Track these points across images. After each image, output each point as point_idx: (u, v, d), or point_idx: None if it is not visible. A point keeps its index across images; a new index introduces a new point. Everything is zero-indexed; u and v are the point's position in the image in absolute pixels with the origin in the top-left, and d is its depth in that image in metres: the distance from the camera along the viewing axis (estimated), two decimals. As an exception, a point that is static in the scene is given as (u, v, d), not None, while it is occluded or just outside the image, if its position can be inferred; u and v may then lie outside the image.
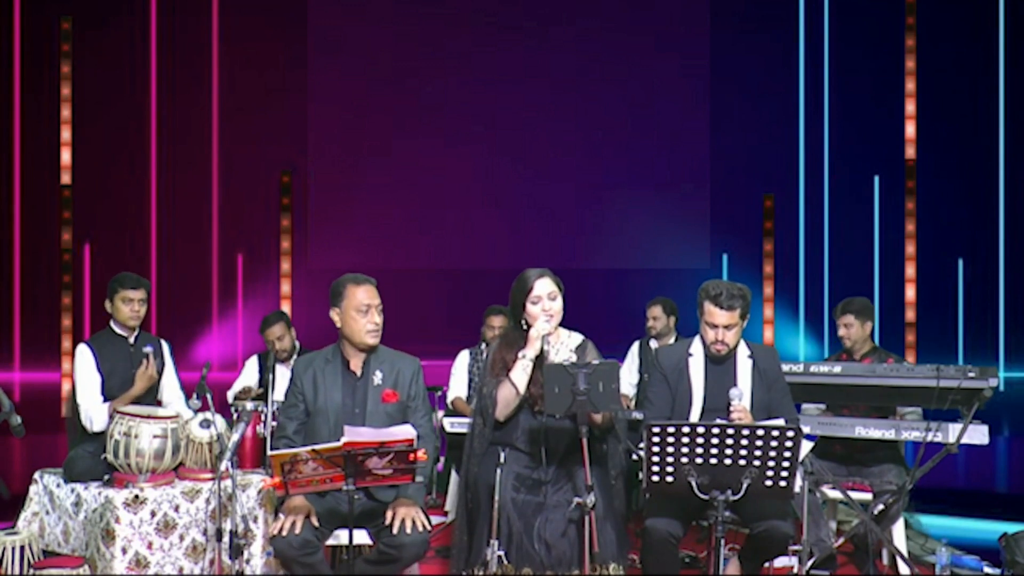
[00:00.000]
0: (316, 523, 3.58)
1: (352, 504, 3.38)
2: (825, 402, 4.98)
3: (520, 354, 3.75)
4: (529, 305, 3.80)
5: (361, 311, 3.77)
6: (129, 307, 4.54)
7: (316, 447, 3.36)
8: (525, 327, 3.84)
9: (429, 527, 3.63)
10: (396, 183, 11.14)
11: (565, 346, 3.89)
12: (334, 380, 3.82)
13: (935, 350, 10.46)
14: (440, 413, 5.80)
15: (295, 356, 5.96)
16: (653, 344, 6.19)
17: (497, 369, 3.85)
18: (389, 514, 3.59)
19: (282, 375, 5.86)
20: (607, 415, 3.73)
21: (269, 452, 3.45)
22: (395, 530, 3.54)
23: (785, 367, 4.58)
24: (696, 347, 4.00)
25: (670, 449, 3.27)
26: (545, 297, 3.79)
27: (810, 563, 4.39)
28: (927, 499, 5.70)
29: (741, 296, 3.90)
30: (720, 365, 3.96)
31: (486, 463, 3.71)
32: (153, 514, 3.89)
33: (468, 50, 11.16)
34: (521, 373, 3.74)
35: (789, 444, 3.22)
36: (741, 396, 3.82)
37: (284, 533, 3.50)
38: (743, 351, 3.97)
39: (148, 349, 4.54)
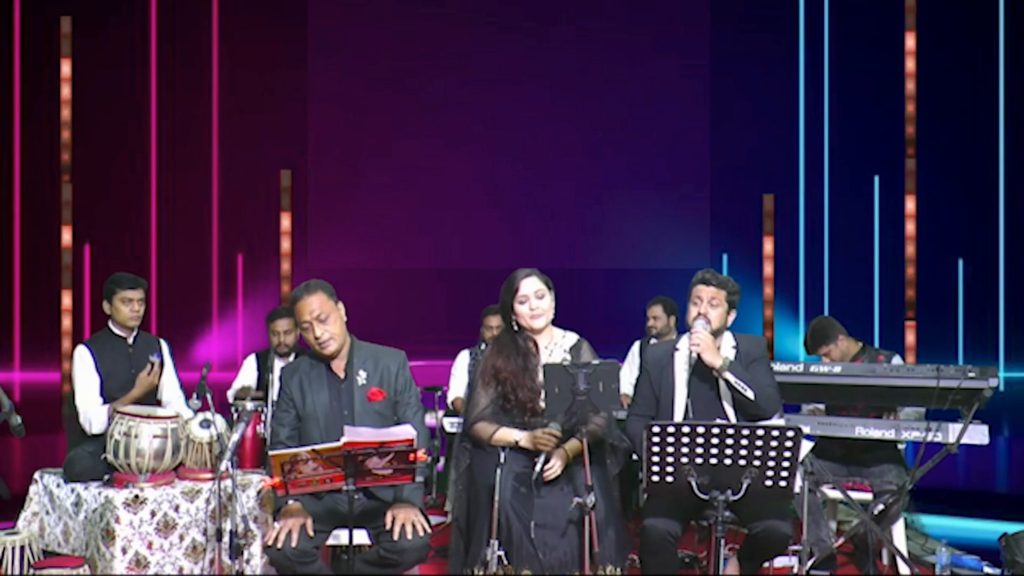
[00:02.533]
0: (311, 532, 3.56)
1: (352, 504, 3.38)
2: (825, 402, 4.98)
3: (513, 439, 3.72)
4: (517, 305, 3.81)
5: (303, 328, 3.74)
6: (129, 307, 4.53)
7: (316, 447, 3.36)
8: (516, 328, 3.86)
9: (429, 530, 3.62)
10: (396, 183, 11.15)
11: (559, 346, 3.88)
12: (320, 384, 3.80)
13: (935, 350, 10.46)
14: (440, 413, 5.80)
15: (293, 355, 5.96)
16: (654, 343, 6.18)
17: (487, 377, 3.85)
18: (389, 518, 3.58)
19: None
20: (596, 433, 3.73)
21: (269, 452, 3.44)
22: (396, 536, 3.53)
23: (785, 367, 4.59)
24: (683, 343, 4.00)
25: (670, 449, 3.26)
26: (532, 296, 3.80)
27: (810, 563, 4.39)
28: (927, 499, 5.69)
29: (729, 280, 3.96)
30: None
31: (486, 463, 3.71)
32: (153, 514, 3.89)
33: (468, 50, 11.17)
34: (504, 440, 3.73)
35: (789, 444, 3.22)
36: (705, 326, 3.84)
37: (279, 545, 3.49)
38: (728, 341, 3.98)
39: (155, 358, 4.52)
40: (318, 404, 3.77)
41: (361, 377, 3.80)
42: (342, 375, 3.81)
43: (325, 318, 3.71)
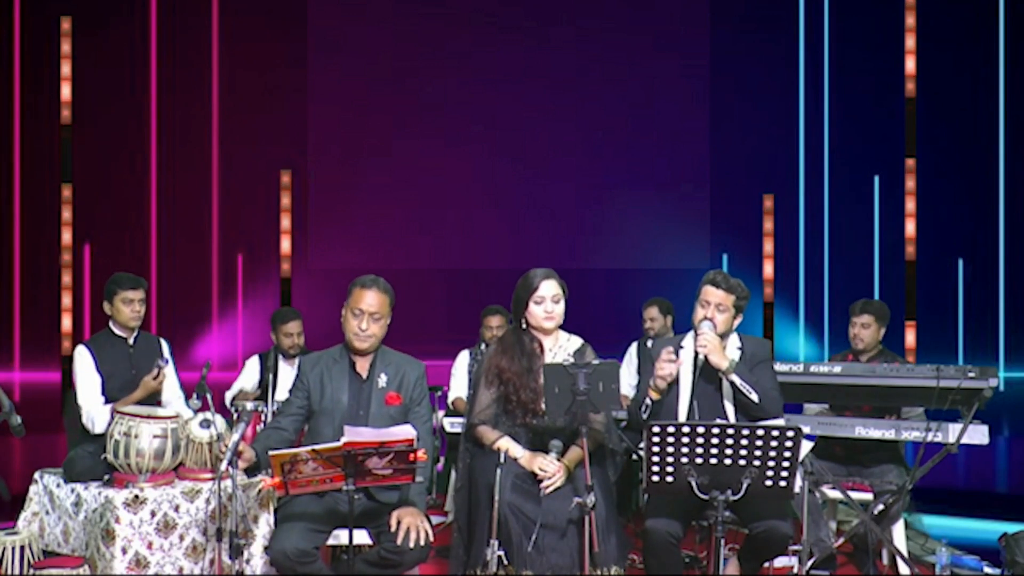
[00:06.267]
0: (250, 457, 3.60)
1: (352, 504, 3.38)
2: (826, 402, 4.98)
3: (514, 455, 3.72)
4: (532, 304, 3.84)
5: (354, 313, 3.78)
6: (130, 308, 4.53)
7: (316, 447, 3.36)
8: (524, 326, 3.87)
9: (432, 537, 3.62)
10: (396, 183, 11.14)
11: (564, 349, 3.91)
12: (341, 381, 3.83)
13: (935, 350, 10.46)
14: (440, 413, 5.81)
15: (299, 356, 5.96)
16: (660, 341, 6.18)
17: (491, 376, 3.87)
18: (394, 520, 3.59)
19: (286, 374, 5.86)
20: (596, 435, 3.74)
21: (269, 452, 3.44)
22: (399, 540, 3.53)
23: (785, 367, 4.59)
24: (688, 341, 4.01)
25: (670, 449, 3.27)
26: (548, 299, 3.83)
27: (810, 563, 4.39)
28: (927, 499, 5.70)
29: (739, 285, 3.96)
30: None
31: (486, 463, 3.72)
32: (153, 514, 3.89)
33: (468, 50, 11.17)
34: (505, 449, 3.74)
35: (789, 444, 3.22)
36: (711, 327, 3.85)
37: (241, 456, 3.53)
38: (733, 342, 3.99)
39: (162, 363, 4.52)
40: (336, 400, 3.80)
41: (382, 380, 3.84)
42: (364, 375, 3.84)
43: (379, 319, 3.79)
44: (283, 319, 5.96)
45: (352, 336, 3.79)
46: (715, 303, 3.92)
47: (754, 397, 3.80)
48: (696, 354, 3.90)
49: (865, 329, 5.01)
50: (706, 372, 3.90)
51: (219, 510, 3.71)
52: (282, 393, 5.69)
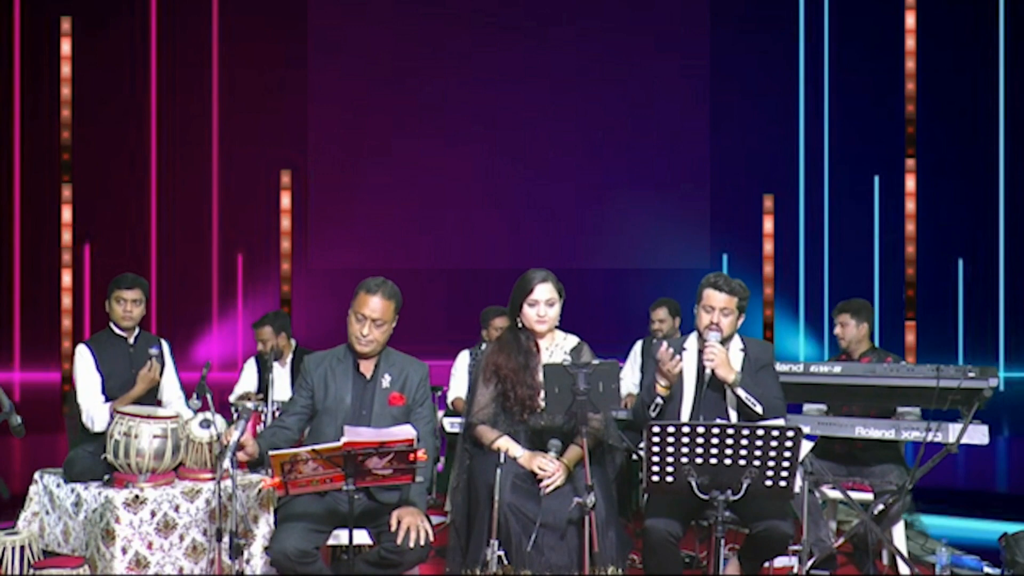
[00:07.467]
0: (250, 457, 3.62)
1: (352, 504, 3.38)
2: (825, 402, 4.98)
3: (514, 454, 3.73)
4: (526, 307, 3.83)
5: (357, 318, 3.78)
6: (122, 307, 4.52)
7: (316, 447, 3.36)
8: (520, 325, 3.87)
9: (432, 537, 3.63)
10: (396, 183, 11.15)
11: (560, 348, 3.90)
12: (344, 381, 3.83)
13: (935, 350, 10.46)
14: (440, 413, 5.81)
15: (290, 357, 5.97)
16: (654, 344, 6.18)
17: (488, 374, 3.88)
18: (394, 520, 3.59)
19: (278, 375, 5.87)
20: (595, 436, 3.74)
21: (269, 452, 3.44)
22: (399, 540, 3.54)
23: (785, 367, 4.58)
24: (691, 342, 4.02)
25: (670, 449, 3.26)
26: (543, 303, 3.82)
27: (810, 563, 4.39)
28: (927, 499, 5.70)
29: (740, 286, 3.96)
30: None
31: (486, 463, 3.72)
32: (153, 514, 3.89)
33: (468, 50, 11.18)
34: (504, 449, 3.75)
35: (789, 444, 3.22)
36: (718, 338, 3.85)
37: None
38: (736, 344, 3.99)
39: (154, 351, 4.52)
40: (339, 400, 3.80)
41: (386, 380, 3.84)
42: (368, 375, 3.84)
43: (381, 324, 3.77)
44: (257, 323, 5.98)
45: (354, 340, 3.79)
46: (719, 308, 3.91)
47: (759, 409, 3.82)
48: (700, 362, 3.90)
49: (844, 328, 5.06)
50: (712, 382, 3.90)
51: (219, 510, 3.71)
52: (279, 393, 5.71)
